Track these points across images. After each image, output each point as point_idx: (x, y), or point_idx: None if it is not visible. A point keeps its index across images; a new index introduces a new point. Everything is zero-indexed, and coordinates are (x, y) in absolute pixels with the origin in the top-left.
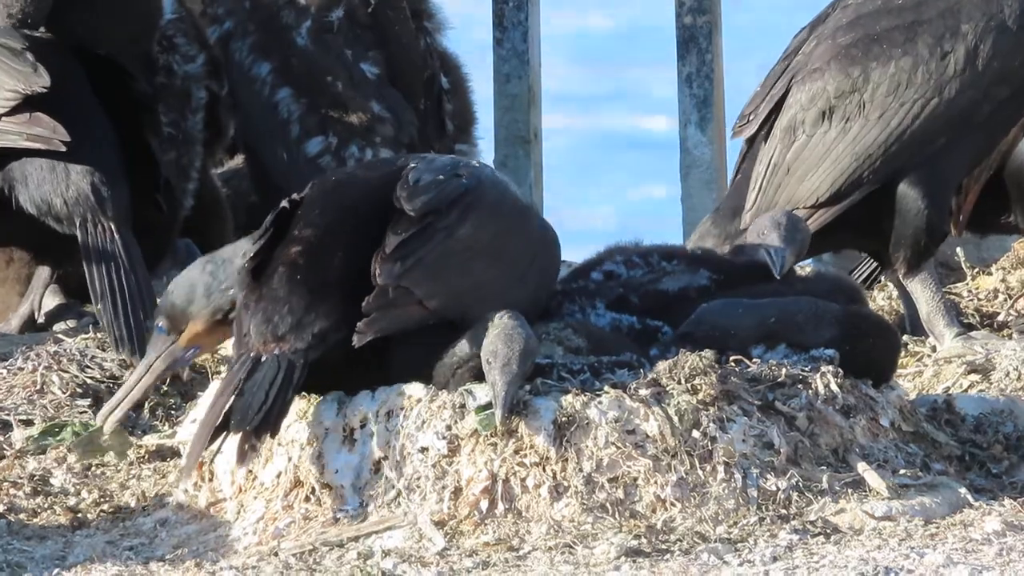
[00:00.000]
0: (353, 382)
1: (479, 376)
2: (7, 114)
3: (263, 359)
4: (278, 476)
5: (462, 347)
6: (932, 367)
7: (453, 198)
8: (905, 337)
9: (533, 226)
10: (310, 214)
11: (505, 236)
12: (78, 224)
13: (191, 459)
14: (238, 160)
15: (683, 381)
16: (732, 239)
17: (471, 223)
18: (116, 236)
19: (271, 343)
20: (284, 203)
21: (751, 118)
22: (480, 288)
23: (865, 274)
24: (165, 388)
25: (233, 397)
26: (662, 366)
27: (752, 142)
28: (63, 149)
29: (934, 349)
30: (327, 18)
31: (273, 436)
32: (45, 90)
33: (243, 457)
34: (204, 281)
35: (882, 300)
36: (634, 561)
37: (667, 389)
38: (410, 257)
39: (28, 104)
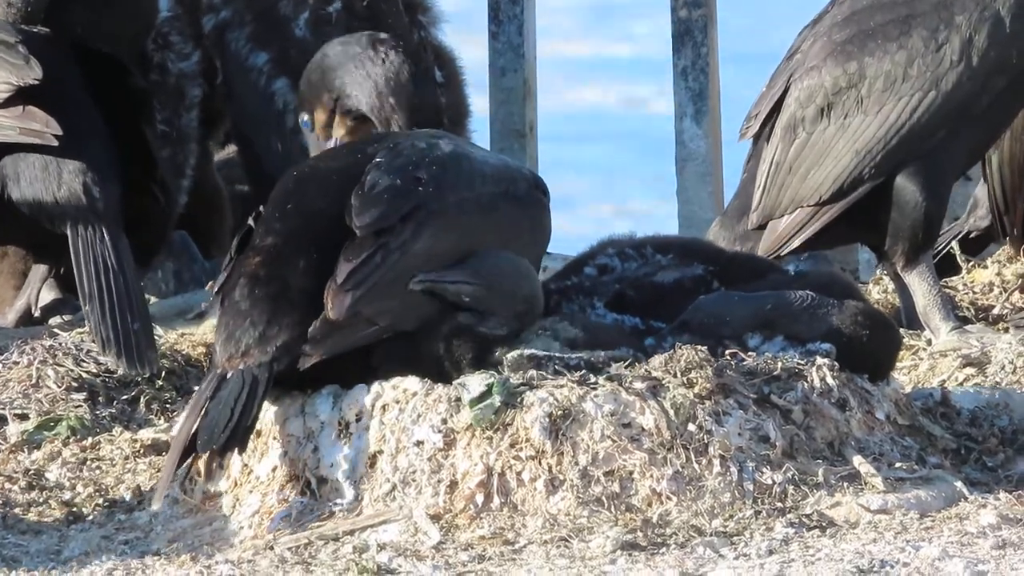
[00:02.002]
0: (340, 375)
1: (476, 344)
2: (0, 106)
3: (228, 376)
4: (273, 470)
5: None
6: (928, 360)
7: (406, 211)
8: (901, 330)
9: (506, 214)
10: (271, 220)
11: (471, 235)
12: (68, 224)
13: (163, 483)
14: (230, 150)
15: (679, 374)
16: (740, 240)
17: (428, 235)
18: (106, 237)
19: (236, 359)
20: (250, 221)
21: (756, 118)
22: (442, 296)
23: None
24: (160, 383)
25: (199, 418)
26: (658, 359)
27: (757, 141)
28: (55, 143)
29: (929, 343)
30: (325, 10)
31: (241, 452)
32: (37, 82)
33: (210, 475)
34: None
35: (877, 294)
36: (630, 555)
37: (663, 382)
38: (363, 285)
39: (21, 97)
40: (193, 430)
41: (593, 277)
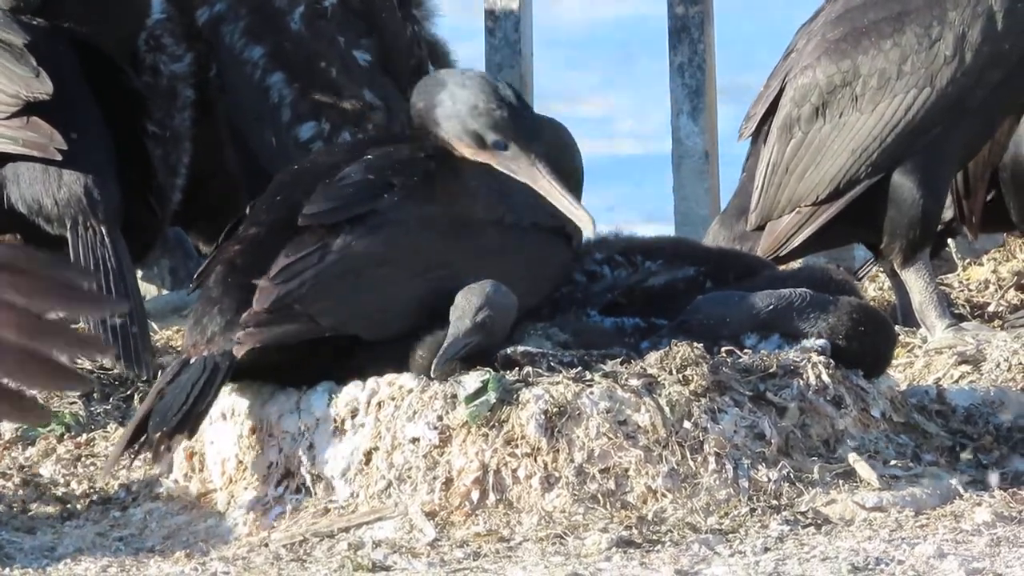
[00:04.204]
0: (323, 373)
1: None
2: (5, 119)
3: (191, 361)
4: (268, 467)
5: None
6: (923, 358)
7: (358, 214)
8: (896, 328)
9: (489, 238)
10: (259, 211)
11: (435, 253)
12: (68, 226)
13: (111, 461)
14: None
15: (674, 372)
16: (740, 240)
17: (377, 242)
18: (106, 240)
19: (200, 345)
20: (248, 209)
21: (753, 118)
22: (397, 302)
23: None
24: (155, 379)
25: (156, 400)
26: (653, 357)
27: (756, 140)
28: (59, 158)
29: (925, 340)
30: (320, 4)
31: (190, 437)
32: (47, 97)
33: (158, 457)
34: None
35: (873, 291)
36: (625, 552)
37: (658, 380)
38: (294, 280)
39: (26, 107)
40: (148, 411)
41: (584, 286)
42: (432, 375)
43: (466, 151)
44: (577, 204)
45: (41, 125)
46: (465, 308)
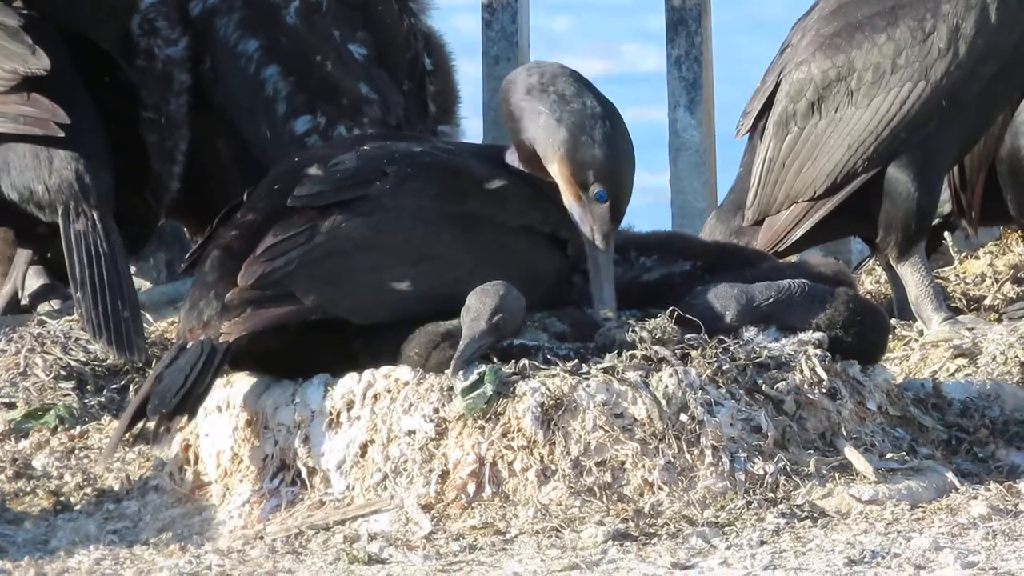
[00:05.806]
0: (319, 364)
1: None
2: (3, 93)
3: (188, 346)
4: (264, 459)
5: (450, 322)
6: (919, 351)
7: (348, 198)
8: (893, 321)
9: (483, 235)
10: (256, 199)
11: (427, 244)
12: (60, 212)
13: (110, 447)
14: None
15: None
16: (736, 235)
17: (366, 226)
18: (98, 225)
19: (197, 330)
20: (245, 195)
21: (750, 115)
22: (386, 288)
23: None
24: (149, 371)
25: (154, 384)
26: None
27: (752, 136)
28: (61, 134)
29: (921, 333)
30: None
31: (190, 419)
32: (45, 73)
33: (158, 440)
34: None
35: (870, 284)
36: (621, 545)
37: (655, 371)
38: (280, 258)
39: (24, 85)
40: (146, 395)
41: (579, 286)
42: (451, 376)
43: (555, 169)
44: (612, 295)
45: (42, 101)
46: (480, 310)
